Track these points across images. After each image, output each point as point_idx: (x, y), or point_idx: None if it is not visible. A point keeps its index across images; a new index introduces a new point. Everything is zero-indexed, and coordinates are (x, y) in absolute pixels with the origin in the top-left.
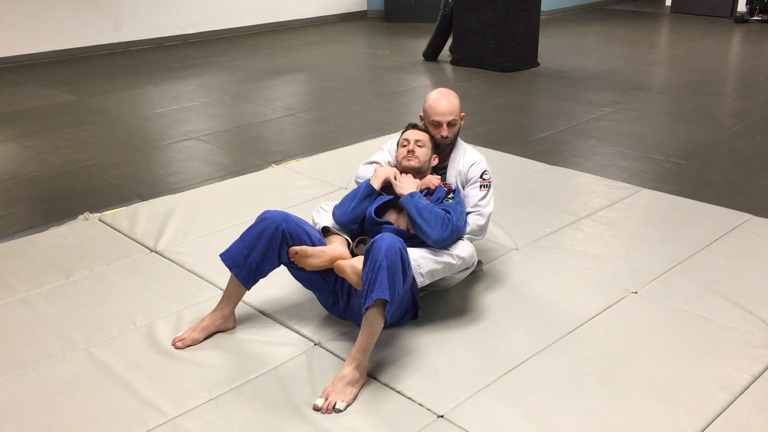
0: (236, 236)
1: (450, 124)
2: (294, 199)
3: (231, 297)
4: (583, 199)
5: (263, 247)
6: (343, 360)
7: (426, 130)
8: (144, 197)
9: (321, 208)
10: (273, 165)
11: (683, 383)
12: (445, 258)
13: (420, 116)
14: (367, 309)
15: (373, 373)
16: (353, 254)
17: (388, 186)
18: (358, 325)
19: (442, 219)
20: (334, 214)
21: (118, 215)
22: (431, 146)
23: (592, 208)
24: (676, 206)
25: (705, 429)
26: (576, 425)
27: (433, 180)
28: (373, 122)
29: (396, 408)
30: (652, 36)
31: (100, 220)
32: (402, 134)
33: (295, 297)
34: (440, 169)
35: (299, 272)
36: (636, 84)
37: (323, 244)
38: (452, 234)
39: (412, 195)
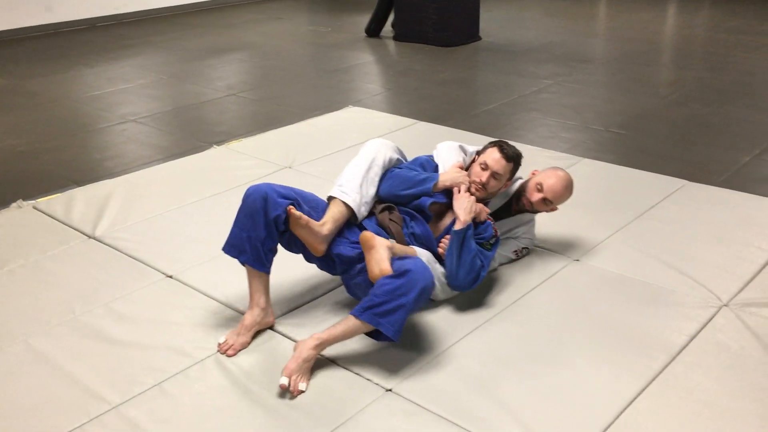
0: (179, 219)
1: (545, 201)
2: (238, 180)
3: (258, 288)
4: (525, 171)
5: (261, 224)
6: (287, 337)
7: (513, 161)
8: (80, 183)
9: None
10: (215, 146)
11: (624, 346)
12: (438, 286)
13: (534, 172)
14: (362, 320)
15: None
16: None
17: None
18: (354, 296)
19: (476, 272)
20: (383, 181)
21: (52, 202)
22: (508, 177)
23: None
24: (616, 175)
25: (645, 389)
26: (521, 391)
27: (483, 214)
28: (316, 100)
29: (344, 384)
30: (591, 8)
31: (34, 207)
32: (485, 150)
33: (236, 278)
34: (505, 210)
35: (295, 247)
36: (576, 56)
37: (317, 210)
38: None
39: (468, 227)
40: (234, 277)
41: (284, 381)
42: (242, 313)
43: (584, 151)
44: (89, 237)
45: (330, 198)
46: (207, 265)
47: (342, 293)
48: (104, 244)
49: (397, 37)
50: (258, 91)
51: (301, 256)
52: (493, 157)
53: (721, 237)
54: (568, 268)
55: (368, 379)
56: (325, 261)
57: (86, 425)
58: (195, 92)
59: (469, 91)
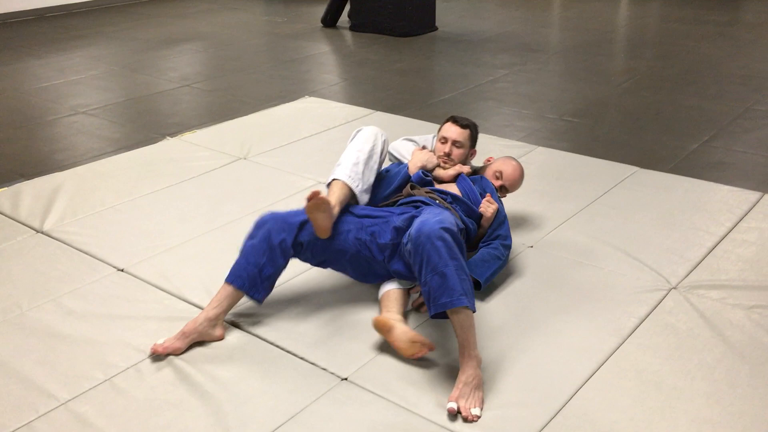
0: (130, 212)
1: (502, 188)
2: (191, 172)
3: (222, 302)
4: (480, 159)
5: (274, 262)
6: (240, 328)
7: (468, 128)
8: (28, 176)
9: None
10: (168, 137)
11: (576, 330)
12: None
13: (489, 159)
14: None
15: (276, 341)
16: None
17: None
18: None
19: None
20: (373, 196)
21: None
22: (469, 144)
23: None
24: (569, 162)
25: (597, 371)
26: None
27: (463, 168)
28: (272, 90)
29: (299, 373)
30: None
31: None
32: (441, 127)
33: (189, 270)
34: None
35: (314, 256)
36: (531, 46)
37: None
38: None
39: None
40: (186, 269)
41: (451, 405)
42: (195, 306)
43: (539, 139)
44: (37, 231)
45: (332, 180)
46: (159, 257)
47: (299, 286)
48: (53, 238)
49: (353, 28)
50: (212, 81)
51: None
52: (449, 128)
53: (671, 222)
54: (522, 255)
55: (323, 369)
56: (357, 265)
57: (34, 422)
58: (148, 83)
59: (425, 80)
